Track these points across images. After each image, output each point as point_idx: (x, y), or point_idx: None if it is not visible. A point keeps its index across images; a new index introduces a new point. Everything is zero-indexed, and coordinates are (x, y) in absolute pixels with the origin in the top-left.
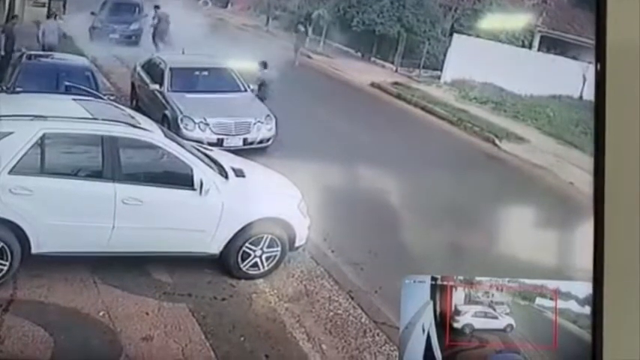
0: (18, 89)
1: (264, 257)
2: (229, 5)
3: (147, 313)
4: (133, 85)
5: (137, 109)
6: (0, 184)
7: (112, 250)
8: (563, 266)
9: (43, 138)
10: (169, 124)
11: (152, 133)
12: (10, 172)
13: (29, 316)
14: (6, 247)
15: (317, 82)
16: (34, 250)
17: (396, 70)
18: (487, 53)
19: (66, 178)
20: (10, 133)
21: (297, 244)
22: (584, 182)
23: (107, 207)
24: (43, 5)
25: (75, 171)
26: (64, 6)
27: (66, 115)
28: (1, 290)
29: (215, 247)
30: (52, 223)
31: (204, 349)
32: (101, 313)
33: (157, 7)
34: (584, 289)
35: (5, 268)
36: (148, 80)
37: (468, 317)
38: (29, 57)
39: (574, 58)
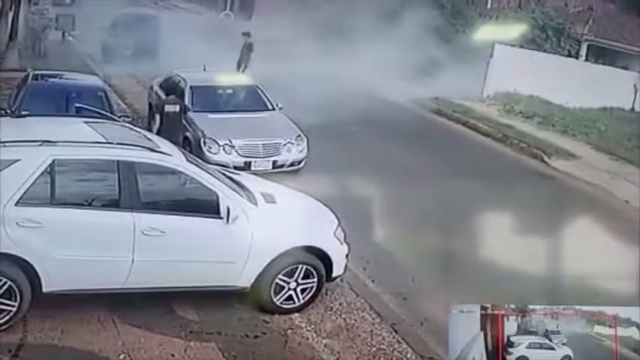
0: (24, 112)
1: (299, 289)
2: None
3: (172, 355)
4: (150, 105)
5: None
6: (6, 217)
7: (131, 286)
8: (621, 290)
9: (52, 165)
10: (191, 147)
11: (172, 157)
12: (17, 203)
13: None
14: (14, 286)
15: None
16: (45, 289)
17: None
18: (531, 64)
19: (79, 209)
20: (16, 160)
21: (334, 275)
22: None
23: (125, 239)
24: (50, 20)
25: (89, 200)
26: (73, 21)
27: (77, 139)
28: (10, 334)
29: (245, 280)
30: (64, 258)
31: None
32: (122, 356)
33: None
34: None
35: (14, 309)
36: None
37: (522, 349)
38: (35, 77)
39: (624, 67)
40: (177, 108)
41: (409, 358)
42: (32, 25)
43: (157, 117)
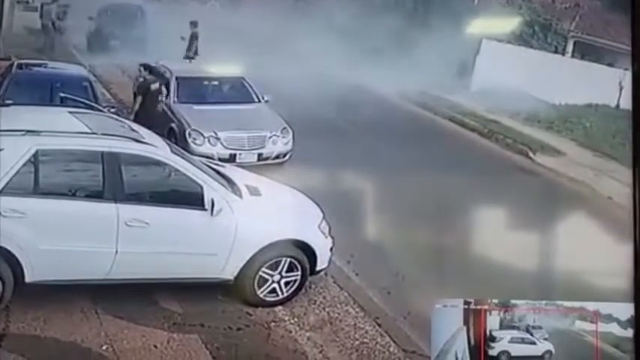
0: (8, 102)
1: (282, 282)
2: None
3: (155, 346)
4: (135, 95)
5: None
6: None
7: (115, 277)
8: (602, 286)
9: (36, 155)
10: (176, 139)
11: (157, 148)
12: (0, 193)
13: (24, 351)
14: None
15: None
16: (28, 279)
17: None
18: (518, 59)
19: (63, 199)
20: None
21: (318, 268)
22: (623, 196)
23: (109, 230)
24: (35, 10)
25: (73, 191)
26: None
27: (61, 129)
28: None
29: (229, 272)
30: (47, 249)
31: None
32: (104, 347)
33: None
34: (626, 310)
35: None
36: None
37: (504, 343)
38: (20, 66)
39: (610, 64)
40: (157, 85)
41: (392, 351)
42: (47, 21)
43: (139, 99)
